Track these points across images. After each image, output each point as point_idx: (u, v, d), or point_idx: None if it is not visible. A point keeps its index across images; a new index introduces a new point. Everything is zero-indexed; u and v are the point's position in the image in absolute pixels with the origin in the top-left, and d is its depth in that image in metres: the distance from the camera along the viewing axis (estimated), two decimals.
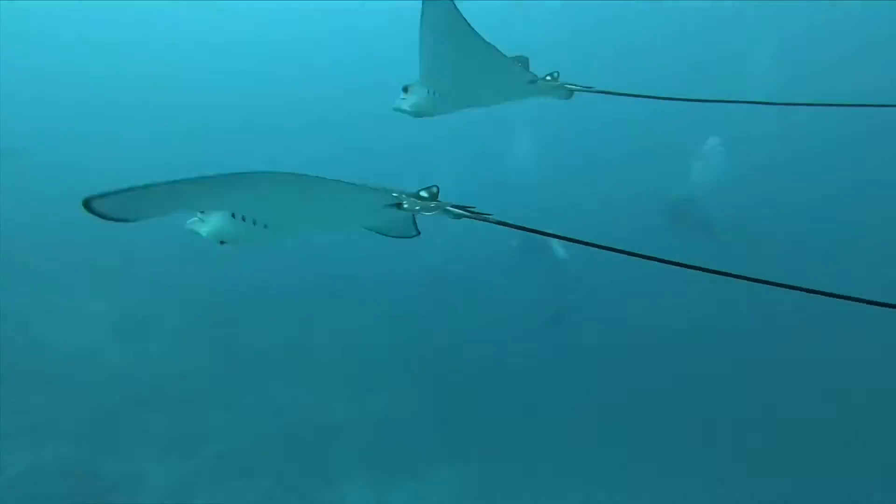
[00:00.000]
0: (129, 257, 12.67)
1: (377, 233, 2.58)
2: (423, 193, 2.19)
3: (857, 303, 1.36)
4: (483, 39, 2.67)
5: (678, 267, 1.63)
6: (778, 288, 1.46)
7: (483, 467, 9.33)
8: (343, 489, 8.52)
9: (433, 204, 2.14)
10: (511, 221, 1.97)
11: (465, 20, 2.53)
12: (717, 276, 1.53)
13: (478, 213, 2.02)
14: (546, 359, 11.89)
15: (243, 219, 2.05)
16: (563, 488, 9.19)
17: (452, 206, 2.09)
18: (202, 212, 2.15)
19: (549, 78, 3.21)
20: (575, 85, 3.18)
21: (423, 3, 2.47)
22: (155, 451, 8.42)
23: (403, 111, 3.12)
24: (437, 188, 2.21)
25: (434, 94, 3.04)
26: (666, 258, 1.64)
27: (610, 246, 1.74)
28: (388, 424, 9.83)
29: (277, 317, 12.14)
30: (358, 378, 10.78)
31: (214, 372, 10.32)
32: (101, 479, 7.54)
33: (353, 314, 12.79)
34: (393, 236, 2.60)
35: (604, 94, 2.99)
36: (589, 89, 3.10)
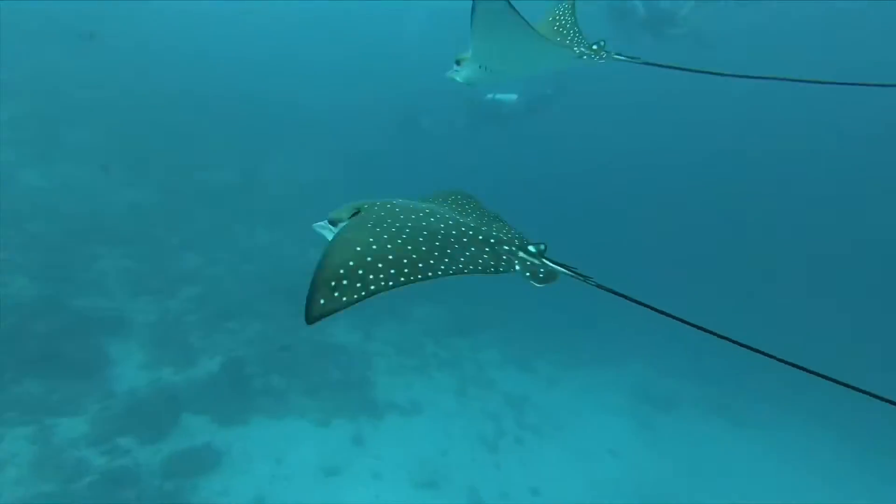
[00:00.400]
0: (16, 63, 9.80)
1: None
2: (532, 249, 2.25)
3: None
4: (533, 32, 2.69)
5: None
6: None
7: (453, 307, 10.07)
8: (333, 329, 8.71)
9: (542, 271, 2.15)
10: None
11: (516, 15, 2.54)
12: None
13: (579, 273, 2.07)
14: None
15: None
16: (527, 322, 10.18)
17: (559, 266, 2.14)
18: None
19: (595, 47, 3.29)
20: (622, 56, 3.20)
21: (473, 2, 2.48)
22: (125, 290, 7.55)
23: (455, 81, 3.40)
24: (545, 245, 2.24)
25: (483, 69, 3.29)
26: None
27: None
28: None
29: (223, 150, 10.76)
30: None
31: (166, 207, 9.13)
32: (82, 314, 6.65)
33: (303, 150, 11.77)
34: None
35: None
36: (635, 60, 3.14)
